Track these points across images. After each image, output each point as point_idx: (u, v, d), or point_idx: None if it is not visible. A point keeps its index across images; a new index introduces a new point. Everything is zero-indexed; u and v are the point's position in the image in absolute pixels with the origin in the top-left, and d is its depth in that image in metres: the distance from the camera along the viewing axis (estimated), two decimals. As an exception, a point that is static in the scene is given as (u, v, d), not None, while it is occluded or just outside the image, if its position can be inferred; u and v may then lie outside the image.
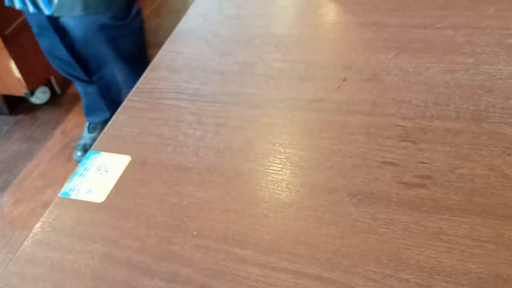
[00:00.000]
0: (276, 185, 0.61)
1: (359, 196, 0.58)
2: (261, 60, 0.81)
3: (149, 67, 0.84)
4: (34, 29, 1.60)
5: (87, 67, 1.66)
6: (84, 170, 0.67)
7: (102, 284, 0.53)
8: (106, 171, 0.66)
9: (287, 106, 0.72)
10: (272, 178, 0.62)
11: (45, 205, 1.73)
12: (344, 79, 0.75)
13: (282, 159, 0.65)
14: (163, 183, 0.64)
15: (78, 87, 1.79)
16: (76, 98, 2.18)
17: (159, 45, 0.90)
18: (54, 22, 1.51)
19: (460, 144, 0.63)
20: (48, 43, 1.60)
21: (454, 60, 0.75)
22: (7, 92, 2.09)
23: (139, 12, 1.57)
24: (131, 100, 0.77)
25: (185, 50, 0.86)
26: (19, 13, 1.81)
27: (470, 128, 0.65)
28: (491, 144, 0.62)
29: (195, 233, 0.57)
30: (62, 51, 1.60)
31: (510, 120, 0.65)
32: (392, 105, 0.70)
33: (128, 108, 0.76)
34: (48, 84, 2.16)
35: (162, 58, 0.86)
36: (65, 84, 2.23)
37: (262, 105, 0.73)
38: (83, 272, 0.55)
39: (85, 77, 1.69)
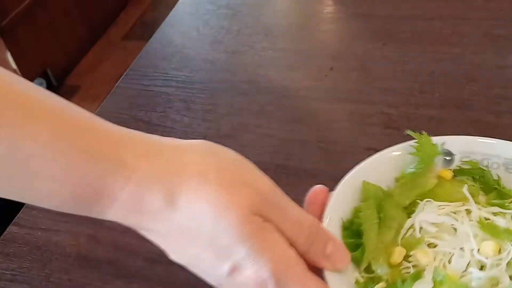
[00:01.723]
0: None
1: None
2: (250, 48, 0.82)
3: (139, 55, 0.84)
4: None
5: None
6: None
7: (86, 264, 0.54)
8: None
9: (275, 94, 0.73)
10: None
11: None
12: (331, 68, 0.76)
13: (269, 146, 0.66)
14: (150, 167, 0.65)
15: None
16: (72, 90, 2.19)
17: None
18: None
19: (444, 131, 0.64)
20: None
21: (440, 50, 0.76)
22: (3, 84, 2.09)
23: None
24: (120, 87, 0.78)
25: (176, 39, 0.87)
26: (15, 4, 1.81)
27: (453, 116, 0.66)
28: (473, 132, 0.63)
29: (179, 215, 0.58)
30: None
31: (493, 108, 0.66)
32: (377, 93, 0.71)
33: (117, 95, 0.77)
34: (44, 75, 2.17)
35: (153, 47, 0.86)
36: (61, 76, 2.24)
37: (250, 92, 0.74)
38: (68, 253, 0.56)
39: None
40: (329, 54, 0.79)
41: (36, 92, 0.37)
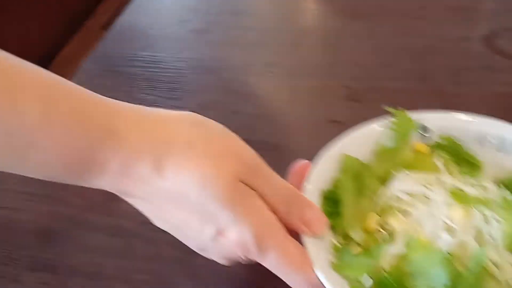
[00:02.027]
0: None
1: (304, 153, 0.60)
2: (216, 27, 0.81)
3: (106, 36, 0.84)
4: None
5: None
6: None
7: (47, 240, 0.54)
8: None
9: (241, 71, 0.73)
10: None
11: None
12: (297, 44, 0.76)
13: (235, 122, 0.65)
14: (113, 145, 0.64)
15: None
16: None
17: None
18: None
19: (407, 103, 0.64)
20: None
21: (405, 24, 0.76)
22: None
23: None
24: (84, 68, 0.77)
25: (142, 19, 0.87)
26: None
27: (416, 87, 0.66)
28: (435, 102, 0.63)
29: (142, 191, 0.58)
30: None
31: (453, 79, 0.66)
32: (342, 68, 0.72)
33: (82, 74, 0.76)
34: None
35: (119, 27, 0.85)
36: (41, 66, 2.20)
37: (216, 70, 0.74)
38: (29, 230, 0.55)
39: None
40: (295, 31, 0.79)
41: (28, 66, 0.37)
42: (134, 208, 0.56)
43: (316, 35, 0.77)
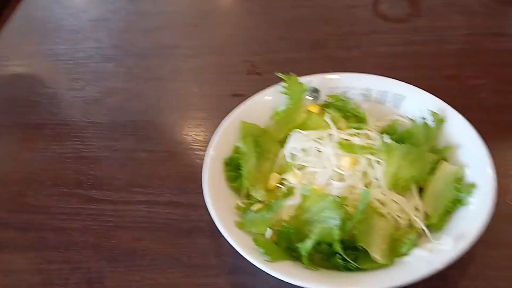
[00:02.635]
0: (131, 129, 0.63)
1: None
2: (114, 15, 0.81)
3: (1, 31, 0.80)
4: None
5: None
6: None
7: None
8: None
9: (141, 55, 0.73)
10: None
11: None
12: (196, 25, 0.77)
13: (137, 106, 0.66)
14: (16, 142, 0.63)
15: None
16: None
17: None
18: None
19: (302, 70, 0.67)
20: None
21: (298, -2, 0.80)
22: None
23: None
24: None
25: (37, 14, 0.84)
26: None
27: (310, 55, 0.70)
28: (327, 66, 0.67)
29: (49, 183, 0.57)
30: None
31: (342, 44, 0.71)
32: (241, 44, 0.74)
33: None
34: None
35: (13, 24, 0.82)
36: None
37: (116, 57, 0.73)
38: None
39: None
40: (193, 13, 0.80)
41: None
42: (43, 202, 0.56)
43: (214, 15, 0.79)
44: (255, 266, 0.41)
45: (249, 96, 0.57)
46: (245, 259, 0.41)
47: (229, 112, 0.54)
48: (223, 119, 0.53)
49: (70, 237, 0.52)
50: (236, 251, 0.42)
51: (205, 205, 0.45)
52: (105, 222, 0.53)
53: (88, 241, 0.51)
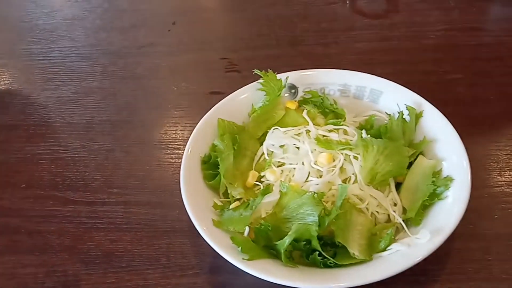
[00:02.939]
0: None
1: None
2: (90, 13, 0.79)
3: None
4: None
5: None
6: None
7: None
8: None
9: (118, 53, 0.72)
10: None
11: None
12: (174, 23, 0.76)
13: (114, 105, 0.65)
14: (-11, 144, 0.61)
15: None
16: None
17: None
18: None
19: (281, 67, 0.67)
20: None
21: (275, -6, 0.80)
22: None
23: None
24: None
25: (11, 13, 0.82)
26: None
27: (288, 52, 0.70)
28: (306, 64, 0.67)
29: (24, 185, 0.56)
30: None
31: (321, 41, 0.71)
32: (219, 42, 0.73)
33: None
34: None
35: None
36: None
37: (92, 56, 0.72)
38: None
39: None
40: (171, 10, 0.79)
41: None
42: (18, 205, 0.55)
43: (191, 12, 0.78)
44: (234, 265, 0.41)
45: (227, 94, 0.57)
46: (224, 258, 0.41)
47: (208, 110, 0.54)
48: (201, 117, 0.53)
49: (45, 240, 0.50)
50: (215, 250, 0.42)
51: (184, 205, 0.45)
52: (82, 224, 0.52)
53: (64, 243, 0.50)
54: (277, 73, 0.56)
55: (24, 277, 0.48)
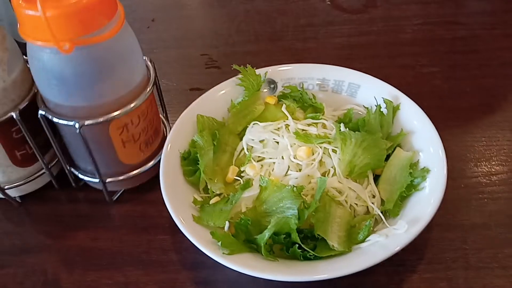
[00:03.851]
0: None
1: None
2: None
3: None
4: None
5: None
6: None
7: None
8: None
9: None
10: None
11: None
12: (153, 20, 0.76)
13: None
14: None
15: None
16: None
17: None
18: None
19: (258, 62, 0.68)
20: None
21: (253, -10, 0.80)
22: None
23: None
24: None
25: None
26: None
27: (267, 47, 0.70)
28: (284, 58, 0.67)
29: (1, 185, 0.55)
30: None
31: (300, 36, 0.71)
32: (199, 38, 0.73)
33: None
34: None
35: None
36: None
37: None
38: None
39: None
40: (149, 7, 0.79)
41: None
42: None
43: (170, 9, 0.78)
44: (214, 260, 0.41)
45: (207, 90, 0.57)
46: (205, 253, 0.41)
47: (187, 106, 0.53)
48: (181, 113, 0.53)
49: (25, 240, 0.50)
50: (196, 246, 0.41)
51: (164, 201, 0.45)
52: (60, 223, 0.51)
53: (43, 243, 0.50)
54: (256, 68, 0.56)
55: (2, 277, 0.47)
